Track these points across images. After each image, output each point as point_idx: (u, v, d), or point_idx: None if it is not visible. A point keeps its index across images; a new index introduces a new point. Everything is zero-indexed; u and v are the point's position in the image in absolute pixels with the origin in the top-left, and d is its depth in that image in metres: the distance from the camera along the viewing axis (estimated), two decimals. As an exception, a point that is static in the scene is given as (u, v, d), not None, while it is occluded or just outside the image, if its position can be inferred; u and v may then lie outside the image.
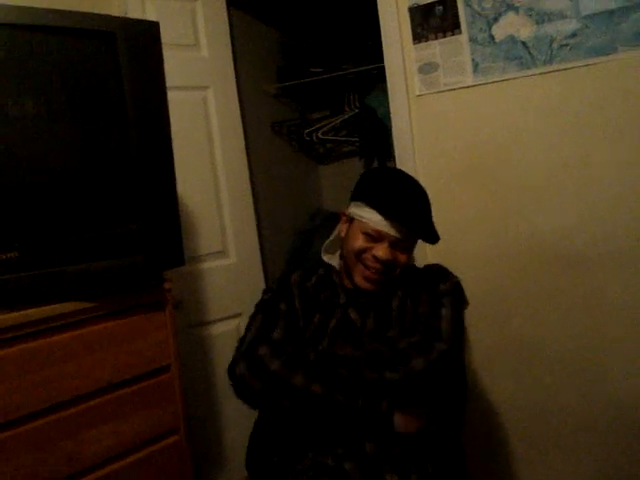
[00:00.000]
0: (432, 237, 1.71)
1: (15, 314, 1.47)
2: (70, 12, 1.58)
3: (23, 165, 1.53)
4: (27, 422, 1.49)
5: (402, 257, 1.70)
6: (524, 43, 2.15)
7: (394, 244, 1.67)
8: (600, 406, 2.19)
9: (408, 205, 1.69)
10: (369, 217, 1.67)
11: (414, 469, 1.56)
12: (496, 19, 2.19)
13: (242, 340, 1.73)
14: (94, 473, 1.59)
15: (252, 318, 1.78)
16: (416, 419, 1.55)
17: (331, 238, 1.88)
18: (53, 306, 1.54)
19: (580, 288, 2.17)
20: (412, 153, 2.39)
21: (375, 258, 1.67)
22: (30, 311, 1.50)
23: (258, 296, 1.88)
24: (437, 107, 2.35)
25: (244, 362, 1.65)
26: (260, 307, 1.80)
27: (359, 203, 1.72)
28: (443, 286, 1.73)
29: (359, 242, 1.69)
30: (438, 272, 1.80)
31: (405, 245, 1.69)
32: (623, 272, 2.10)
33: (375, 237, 1.68)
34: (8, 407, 1.45)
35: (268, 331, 1.70)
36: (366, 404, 1.52)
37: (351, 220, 1.75)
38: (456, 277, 1.78)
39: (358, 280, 1.71)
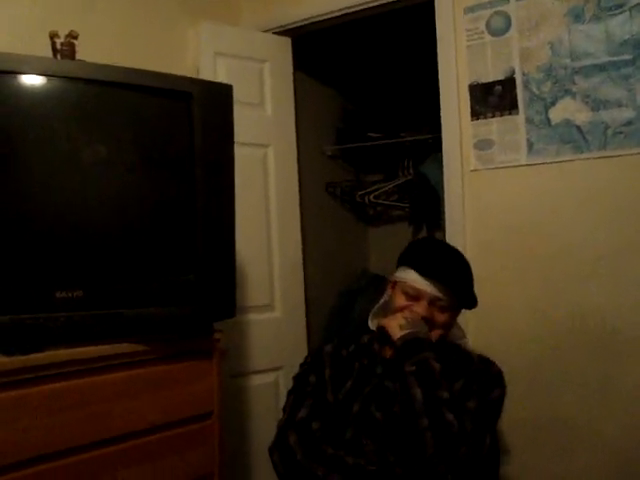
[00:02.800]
0: (469, 299, 1.76)
1: (75, 350, 1.55)
2: (153, 73, 1.70)
3: (93, 209, 1.63)
4: (70, 455, 1.54)
5: (440, 317, 1.72)
6: (579, 127, 2.20)
7: (432, 303, 1.71)
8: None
9: (446, 265, 1.75)
10: (409, 277, 1.74)
11: None
12: (553, 103, 2.25)
13: (281, 420, 1.77)
14: (130, 511, 1.64)
15: (288, 393, 1.83)
16: None
17: (379, 304, 1.91)
18: (109, 346, 1.62)
19: (625, 375, 2.16)
20: (462, 226, 2.44)
21: (410, 310, 1.72)
22: (88, 349, 1.58)
23: (300, 351, 1.94)
24: (490, 183, 2.39)
25: (277, 453, 1.70)
26: (294, 380, 1.85)
27: (403, 267, 1.78)
28: (484, 377, 1.73)
29: (400, 301, 1.74)
30: (480, 361, 1.79)
31: (443, 305, 1.72)
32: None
33: (414, 296, 1.72)
34: (58, 439, 1.52)
35: (296, 410, 1.73)
36: None
37: (395, 284, 1.81)
38: (498, 368, 1.77)
39: (393, 331, 1.69)
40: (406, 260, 1.79)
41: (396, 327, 1.68)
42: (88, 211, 1.62)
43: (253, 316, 2.65)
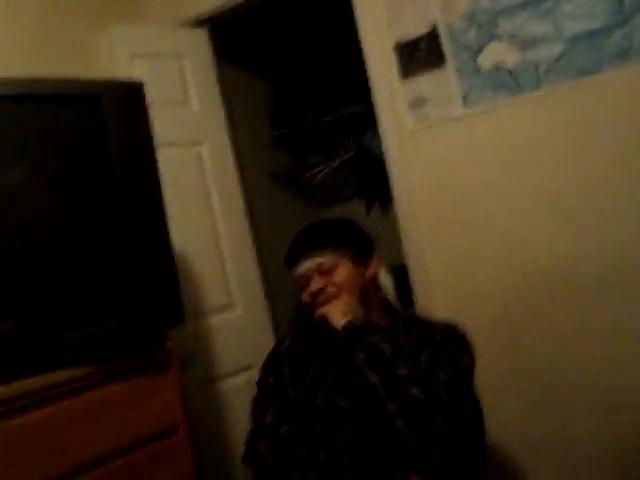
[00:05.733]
0: (343, 239, 1.72)
1: (12, 386, 1.45)
2: (53, 79, 1.62)
3: (17, 235, 1.53)
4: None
5: (336, 277, 1.66)
6: (509, 71, 2.14)
7: (320, 273, 1.67)
8: (613, 438, 2.13)
9: (298, 239, 1.76)
10: (294, 274, 1.73)
11: None
12: (480, 49, 2.19)
13: (250, 429, 1.71)
14: None
15: (253, 401, 1.77)
16: None
17: None
18: (51, 374, 1.52)
19: (591, 316, 2.12)
20: (409, 188, 2.38)
21: (313, 294, 1.67)
22: (28, 381, 1.47)
23: (268, 347, 1.86)
24: (430, 141, 2.34)
25: (251, 463, 1.65)
26: (257, 386, 1.79)
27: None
28: (450, 344, 1.64)
29: (302, 296, 1.72)
30: (443, 328, 1.70)
31: (328, 265, 1.67)
32: (637, 298, 2.05)
33: (305, 283, 1.70)
34: (11, 481, 1.42)
35: (262, 416, 1.68)
36: None
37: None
38: (462, 331, 1.69)
39: (333, 321, 1.63)
40: (286, 266, 1.78)
41: (336, 314, 1.62)
42: (10, 236, 1.52)
43: (214, 319, 2.57)
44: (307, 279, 1.68)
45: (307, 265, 1.68)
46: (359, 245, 1.74)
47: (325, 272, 1.66)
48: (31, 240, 1.55)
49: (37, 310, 1.51)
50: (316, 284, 1.66)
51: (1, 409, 1.42)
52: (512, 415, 2.29)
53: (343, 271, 1.67)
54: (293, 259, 1.72)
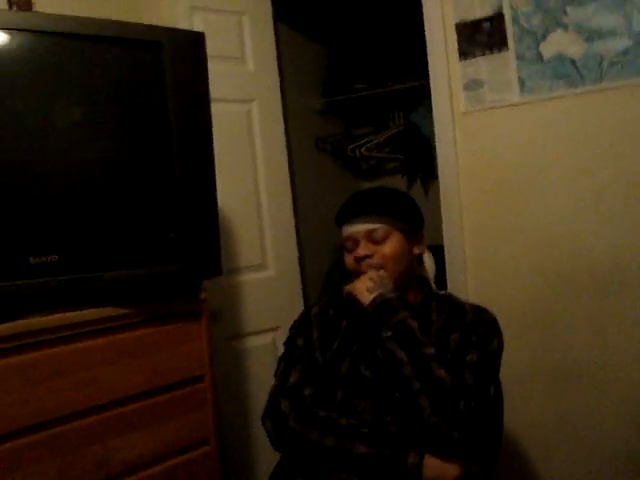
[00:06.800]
0: (400, 212, 1.69)
1: (53, 317, 1.49)
2: (118, 22, 1.61)
3: (67, 172, 1.55)
4: (58, 425, 1.50)
5: (385, 248, 1.64)
6: (573, 61, 2.11)
7: (370, 239, 1.64)
8: (638, 432, 2.12)
9: (356, 200, 1.73)
10: (342, 233, 1.71)
11: None
12: (544, 36, 2.15)
13: (273, 387, 1.71)
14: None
15: (279, 360, 1.77)
16: (451, 470, 1.47)
17: None
18: (90, 310, 1.56)
19: (624, 311, 2.11)
20: (456, 170, 2.37)
21: (358, 259, 1.65)
22: (68, 314, 1.52)
23: (296, 310, 1.87)
24: (482, 124, 2.32)
25: (269, 420, 1.64)
26: (284, 346, 1.79)
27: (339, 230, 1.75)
28: (480, 327, 1.63)
29: (347, 260, 1.69)
30: (475, 311, 1.69)
31: (380, 235, 1.64)
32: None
33: (352, 246, 1.67)
34: (40, 409, 1.47)
35: (286, 376, 1.68)
36: (393, 453, 1.48)
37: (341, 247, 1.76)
38: (493, 316, 1.68)
39: (361, 296, 1.62)
40: (336, 224, 1.75)
41: (363, 291, 1.61)
42: (61, 171, 1.54)
43: (246, 276, 2.58)
44: (354, 242, 1.66)
45: (358, 228, 1.65)
46: (413, 220, 1.72)
47: (375, 240, 1.64)
48: (82, 179, 1.58)
49: (82, 247, 1.54)
50: (363, 250, 1.64)
51: (40, 338, 1.47)
52: (531, 405, 2.30)
53: (393, 243, 1.65)
54: (345, 217, 1.70)
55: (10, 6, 1.68)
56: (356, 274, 1.66)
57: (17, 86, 1.48)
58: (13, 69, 1.47)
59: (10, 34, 1.45)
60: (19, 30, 1.46)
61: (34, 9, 1.70)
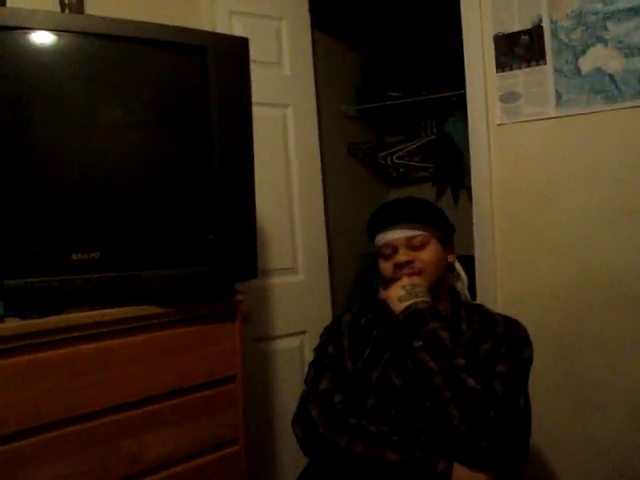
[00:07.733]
0: (435, 218, 1.72)
1: (93, 313, 1.52)
2: (165, 26, 1.64)
3: (111, 171, 1.59)
4: (95, 418, 1.53)
5: (423, 255, 1.66)
6: (611, 76, 2.11)
7: (409, 246, 1.66)
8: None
9: (392, 207, 1.76)
10: (376, 242, 1.73)
11: None
12: (584, 51, 2.15)
13: (303, 393, 1.73)
14: (154, 475, 1.62)
15: (309, 366, 1.78)
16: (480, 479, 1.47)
17: None
18: (127, 308, 1.58)
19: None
20: (489, 181, 2.37)
21: (397, 265, 1.66)
22: (106, 311, 1.54)
23: (324, 315, 1.89)
24: (517, 137, 2.32)
25: (299, 426, 1.65)
26: (315, 352, 1.81)
27: (372, 240, 1.77)
28: (511, 338, 1.64)
29: (383, 267, 1.71)
30: (505, 322, 1.71)
31: (419, 241, 1.66)
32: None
33: (389, 253, 1.69)
34: (79, 402, 1.50)
35: (317, 383, 1.69)
36: (423, 461, 1.49)
37: (376, 256, 1.77)
38: (524, 328, 1.69)
39: (393, 305, 1.63)
40: (368, 232, 1.78)
41: (395, 300, 1.62)
42: (104, 171, 1.58)
43: (276, 279, 2.60)
44: (393, 249, 1.68)
45: (397, 235, 1.67)
46: (446, 229, 1.75)
47: (415, 247, 1.66)
48: (125, 179, 1.61)
49: (123, 245, 1.57)
50: (404, 256, 1.65)
51: (78, 334, 1.50)
52: (556, 419, 2.29)
53: (432, 250, 1.67)
54: (383, 224, 1.71)
55: (62, 9, 1.72)
56: (393, 281, 1.68)
57: (67, 87, 1.52)
58: (64, 70, 1.51)
59: (61, 36, 1.49)
60: (70, 32, 1.50)
61: (85, 12, 1.73)
